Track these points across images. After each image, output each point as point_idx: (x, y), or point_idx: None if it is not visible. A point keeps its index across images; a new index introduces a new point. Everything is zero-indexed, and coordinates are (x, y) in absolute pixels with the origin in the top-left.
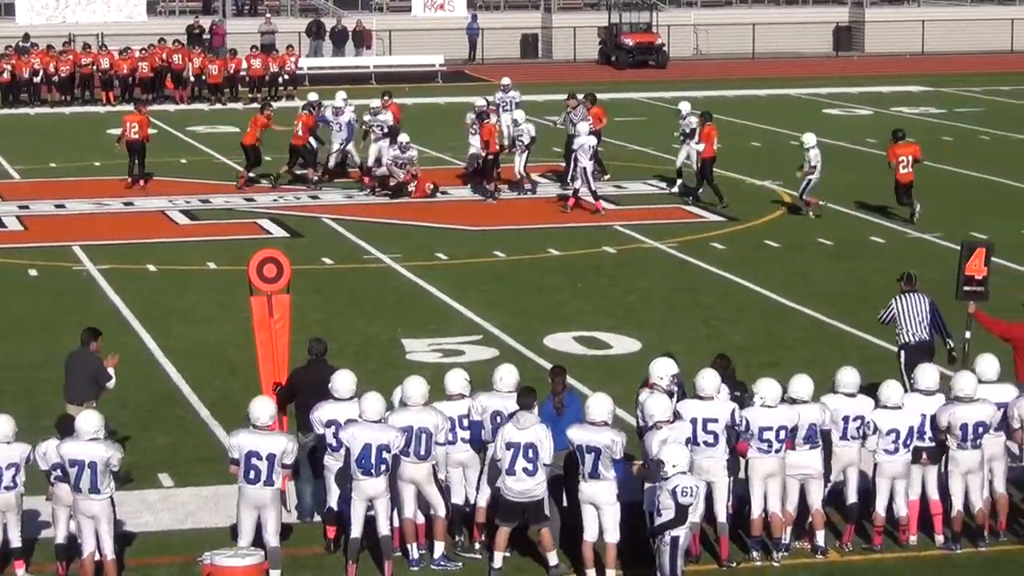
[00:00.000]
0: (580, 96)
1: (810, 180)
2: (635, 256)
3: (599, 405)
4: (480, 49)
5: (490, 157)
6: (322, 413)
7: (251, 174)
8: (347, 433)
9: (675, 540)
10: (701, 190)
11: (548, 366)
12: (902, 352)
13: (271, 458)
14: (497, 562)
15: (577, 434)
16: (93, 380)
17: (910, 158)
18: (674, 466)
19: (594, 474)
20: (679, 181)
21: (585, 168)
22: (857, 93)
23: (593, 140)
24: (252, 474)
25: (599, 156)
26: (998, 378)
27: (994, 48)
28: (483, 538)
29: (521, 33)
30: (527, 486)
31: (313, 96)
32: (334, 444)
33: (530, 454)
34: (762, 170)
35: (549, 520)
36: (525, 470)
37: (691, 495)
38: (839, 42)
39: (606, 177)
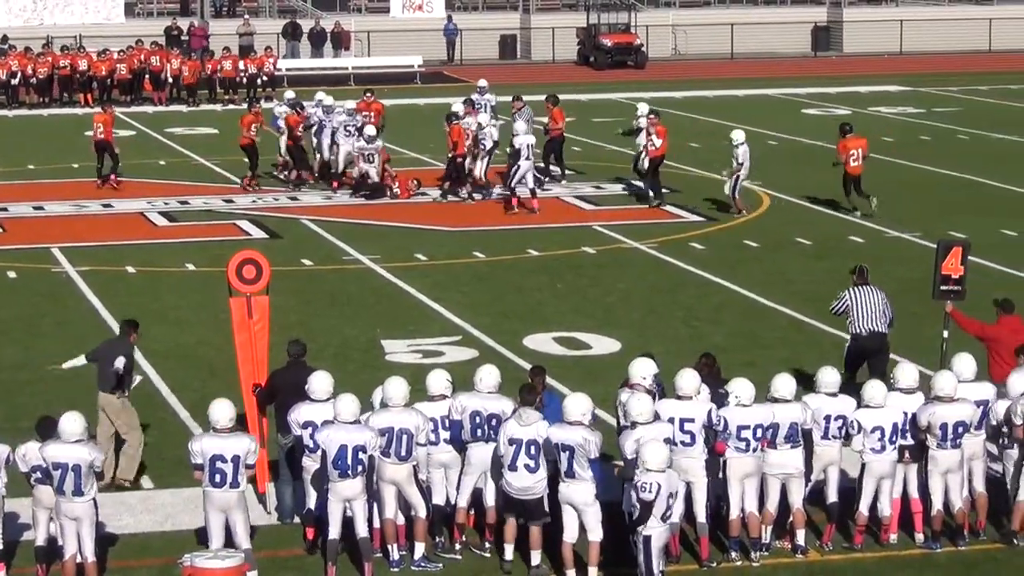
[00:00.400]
0: (542, 97)
1: (738, 177)
2: (615, 256)
3: (575, 404)
4: (459, 50)
5: (459, 159)
6: (299, 414)
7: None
8: (323, 435)
9: (647, 539)
10: (655, 189)
11: (528, 367)
12: (852, 342)
13: (235, 460)
14: (508, 554)
15: (554, 433)
16: (116, 369)
17: (860, 151)
18: (644, 461)
19: (570, 473)
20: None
21: (519, 166)
22: (835, 93)
23: (531, 139)
24: (218, 477)
25: (561, 156)
26: (975, 377)
27: (972, 48)
28: (463, 538)
29: (500, 34)
30: (528, 483)
31: (290, 94)
32: (311, 446)
33: (532, 450)
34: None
35: (548, 518)
36: (527, 466)
37: (649, 491)
38: (817, 42)
39: (546, 180)
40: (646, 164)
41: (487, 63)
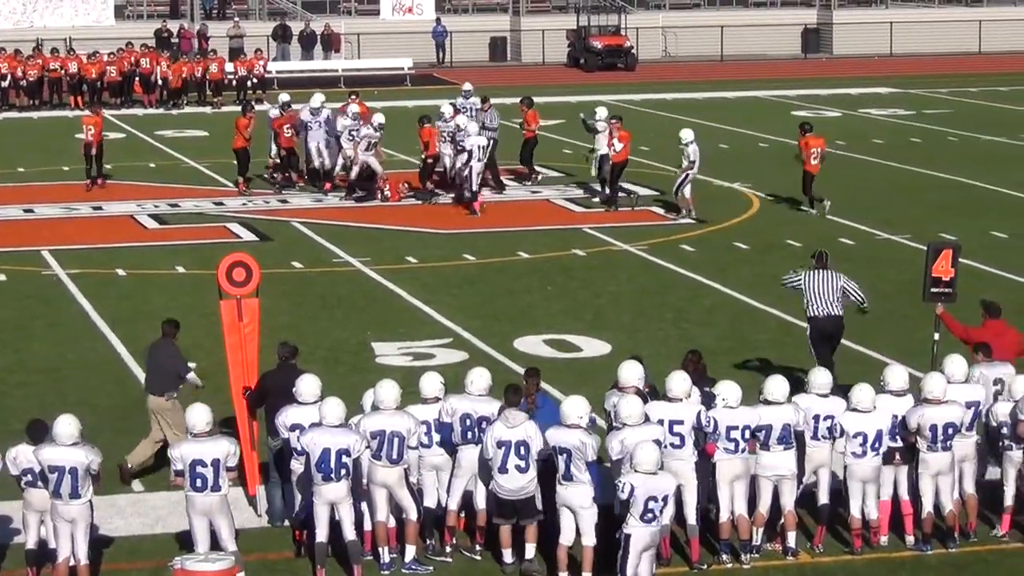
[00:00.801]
0: (526, 100)
1: (687, 176)
2: (605, 258)
3: (572, 407)
4: (449, 52)
5: (429, 160)
6: (286, 417)
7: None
8: (307, 438)
9: (627, 537)
10: (622, 193)
11: (518, 369)
12: (810, 325)
13: (216, 463)
14: (507, 558)
15: (552, 435)
16: (173, 371)
17: (820, 150)
18: (634, 462)
19: (567, 476)
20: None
21: (472, 167)
22: (826, 95)
23: (482, 141)
24: (199, 482)
25: (531, 160)
26: (966, 379)
27: (962, 50)
28: (454, 541)
29: (490, 36)
30: (520, 483)
31: (285, 97)
32: (299, 448)
33: (522, 451)
34: (731, 172)
35: (542, 515)
36: (518, 467)
37: (622, 490)
38: (807, 44)
39: (527, 183)
40: (607, 168)
41: (477, 65)
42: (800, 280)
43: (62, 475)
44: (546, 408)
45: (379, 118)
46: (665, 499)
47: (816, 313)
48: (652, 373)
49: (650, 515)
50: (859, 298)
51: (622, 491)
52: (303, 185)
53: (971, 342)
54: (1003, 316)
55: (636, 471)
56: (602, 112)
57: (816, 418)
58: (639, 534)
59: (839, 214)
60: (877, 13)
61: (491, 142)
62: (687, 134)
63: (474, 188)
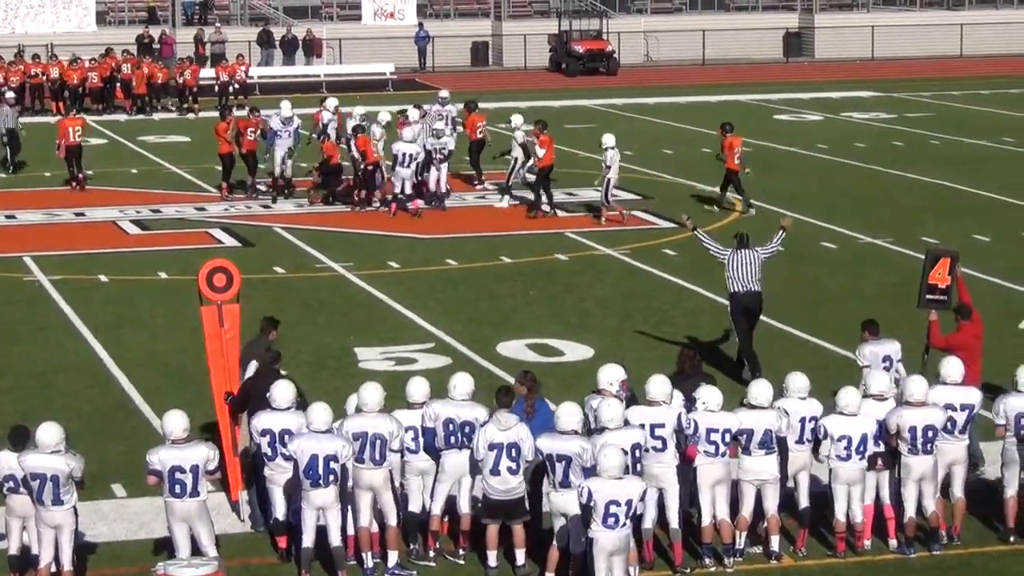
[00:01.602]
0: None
1: (609, 181)
2: (588, 263)
3: (569, 414)
4: (431, 57)
5: (369, 167)
6: (259, 422)
7: (231, 182)
8: (294, 444)
9: (591, 541)
10: (548, 197)
11: (501, 373)
12: (731, 300)
13: (195, 469)
14: (492, 560)
15: (547, 443)
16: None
17: (740, 149)
18: (599, 467)
19: (564, 483)
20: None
21: (396, 172)
22: (808, 99)
23: (411, 148)
24: (178, 488)
25: (476, 160)
26: (962, 380)
27: (943, 53)
28: (437, 545)
29: (472, 41)
30: (511, 484)
31: (286, 104)
32: (269, 454)
33: (513, 453)
34: (714, 175)
35: (528, 516)
36: (509, 469)
37: (580, 494)
38: (789, 48)
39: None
40: (529, 175)
41: (459, 70)
42: (725, 257)
43: (43, 482)
44: (543, 412)
45: (384, 116)
46: (629, 503)
47: (737, 289)
48: (635, 377)
49: (612, 519)
50: (776, 248)
51: (581, 495)
52: (269, 189)
53: (952, 348)
54: (990, 320)
55: (598, 475)
56: (517, 120)
57: (802, 421)
58: (602, 538)
59: (821, 218)
60: (859, 17)
61: (428, 149)
62: (608, 139)
63: (406, 191)
